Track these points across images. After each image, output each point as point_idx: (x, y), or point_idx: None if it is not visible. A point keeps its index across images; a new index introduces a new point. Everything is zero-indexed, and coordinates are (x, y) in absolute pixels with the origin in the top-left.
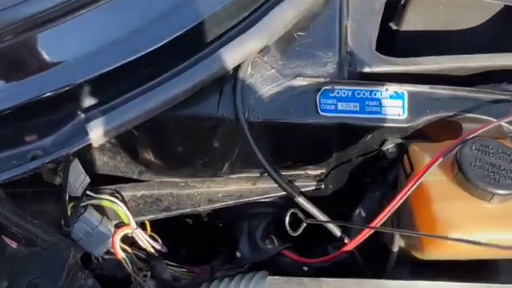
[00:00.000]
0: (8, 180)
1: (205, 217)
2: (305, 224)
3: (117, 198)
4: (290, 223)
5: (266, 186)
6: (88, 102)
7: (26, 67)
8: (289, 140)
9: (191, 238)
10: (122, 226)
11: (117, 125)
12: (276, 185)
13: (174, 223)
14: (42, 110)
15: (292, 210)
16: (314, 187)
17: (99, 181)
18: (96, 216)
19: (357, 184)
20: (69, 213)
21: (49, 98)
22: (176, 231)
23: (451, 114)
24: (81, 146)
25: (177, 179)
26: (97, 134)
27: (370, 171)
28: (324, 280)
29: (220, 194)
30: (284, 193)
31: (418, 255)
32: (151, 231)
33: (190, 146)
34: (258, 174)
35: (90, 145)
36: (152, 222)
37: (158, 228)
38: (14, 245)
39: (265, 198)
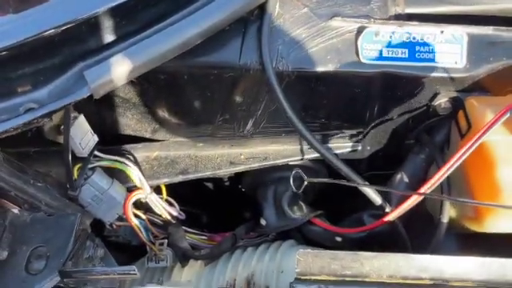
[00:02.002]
0: None
1: (226, 181)
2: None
3: (128, 159)
4: (321, 191)
5: (295, 148)
6: (89, 45)
7: None
8: (323, 93)
9: (212, 204)
10: (134, 189)
11: (120, 73)
12: (306, 146)
13: (193, 188)
14: (37, 54)
15: (296, 170)
16: (349, 148)
17: (109, 141)
18: (105, 179)
19: (398, 146)
20: (75, 175)
21: (45, 38)
22: (195, 197)
23: None
24: (79, 98)
25: (195, 139)
26: (97, 83)
27: (415, 131)
28: (363, 254)
29: (243, 156)
30: (315, 155)
31: (474, 227)
32: (168, 196)
33: (209, 100)
34: (286, 134)
35: (91, 97)
36: (168, 186)
37: (176, 193)
38: (15, 210)
39: (293, 161)
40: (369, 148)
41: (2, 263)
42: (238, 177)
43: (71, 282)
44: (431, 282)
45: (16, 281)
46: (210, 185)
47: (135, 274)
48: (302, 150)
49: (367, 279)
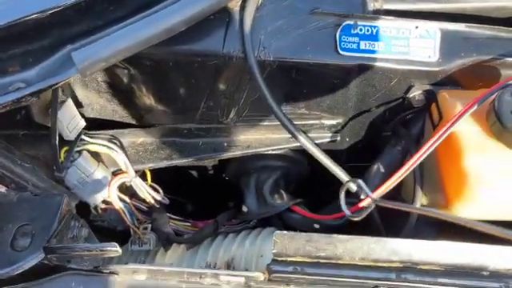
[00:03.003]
0: None
1: (210, 169)
2: None
3: (114, 143)
4: (301, 181)
5: (277, 137)
6: (77, 29)
7: None
8: (303, 83)
9: (195, 193)
10: (119, 173)
11: (107, 55)
12: (288, 135)
13: (178, 176)
14: (27, 36)
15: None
16: (329, 139)
17: (96, 126)
18: (91, 162)
19: (375, 138)
20: (62, 157)
21: (35, 21)
22: (179, 185)
23: (489, 57)
24: (66, 78)
25: (180, 126)
26: (84, 63)
27: (391, 123)
28: (337, 237)
29: (226, 144)
30: (297, 144)
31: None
32: (152, 183)
33: (193, 87)
34: (268, 123)
35: (77, 76)
36: (153, 173)
37: (160, 180)
38: (2, 189)
39: (275, 150)
40: (347, 139)
41: None
42: (221, 165)
43: (55, 258)
44: (401, 265)
45: (1, 256)
46: (194, 173)
47: (117, 251)
48: (283, 140)
49: (340, 261)
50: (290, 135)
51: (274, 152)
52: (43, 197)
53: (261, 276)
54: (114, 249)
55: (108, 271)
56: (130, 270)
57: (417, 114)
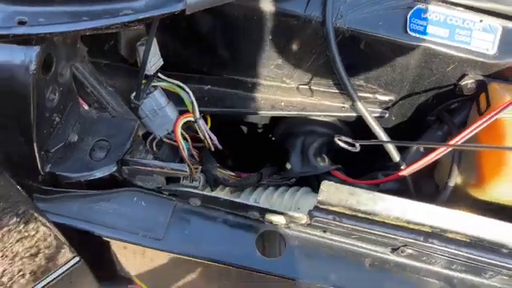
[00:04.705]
0: (96, 29)
1: (260, 128)
2: None
3: (185, 85)
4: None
5: (330, 104)
6: None
7: None
8: (369, 55)
9: (238, 147)
10: (185, 113)
11: None
12: (340, 104)
13: (227, 127)
14: None
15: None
16: (378, 114)
17: (171, 68)
18: (164, 97)
19: (419, 120)
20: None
21: None
22: (227, 136)
23: None
24: (172, 11)
25: (245, 79)
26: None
27: (437, 109)
28: (379, 194)
29: (283, 103)
30: (348, 114)
31: (478, 194)
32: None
33: (268, 44)
34: (325, 89)
35: (184, 11)
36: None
37: (211, 128)
38: (85, 106)
39: (326, 117)
40: (394, 118)
41: (72, 145)
42: (271, 125)
43: (127, 170)
44: (430, 230)
45: (81, 162)
46: (244, 128)
47: (186, 172)
48: (336, 108)
49: (376, 218)
50: (342, 104)
51: (323, 119)
52: (120, 119)
53: (304, 218)
54: (184, 169)
55: (167, 193)
56: (187, 193)
57: (463, 103)
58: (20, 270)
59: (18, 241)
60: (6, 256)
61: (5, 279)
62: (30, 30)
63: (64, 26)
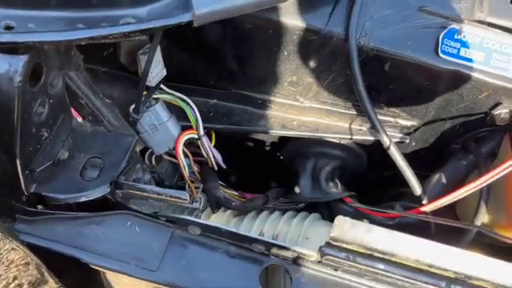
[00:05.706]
0: (93, 39)
1: (268, 145)
2: None
3: (189, 99)
4: (356, 175)
5: (346, 126)
6: None
7: None
8: (393, 77)
9: (243, 165)
10: (189, 129)
11: (224, 8)
12: (357, 126)
13: (232, 145)
14: None
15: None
16: (398, 139)
17: (173, 79)
18: (166, 111)
19: (442, 148)
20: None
21: None
22: (232, 153)
23: None
24: (177, 22)
25: (255, 95)
26: (203, 10)
27: (463, 137)
28: (398, 234)
29: (295, 123)
30: (363, 137)
31: (508, 236)
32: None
33: (283, 59)
34: (341, 110)
35: (191, 23)
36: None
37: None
38: (79, 119)
39: (341, 139)
40: (414, 144)
41: (61, 163)
42: (280, 143)
43: (121, 193)
44: (453, 276)
45: (70, 182)
46: (250, 145)
47: (186, 200)
48: (351, 130)
49: (394, 258)
50: (360, 127)
51: (336, 141)
52: (116, 134)
53: (314, 255)
54: (184, 197)
55: (165, 219)
56: (186, 221)
57: (491, 133)
58: (15, 278)
59: (12, 249)
60: (2, 263)
61: None
62: (17, 38)
63: (56, 34)
